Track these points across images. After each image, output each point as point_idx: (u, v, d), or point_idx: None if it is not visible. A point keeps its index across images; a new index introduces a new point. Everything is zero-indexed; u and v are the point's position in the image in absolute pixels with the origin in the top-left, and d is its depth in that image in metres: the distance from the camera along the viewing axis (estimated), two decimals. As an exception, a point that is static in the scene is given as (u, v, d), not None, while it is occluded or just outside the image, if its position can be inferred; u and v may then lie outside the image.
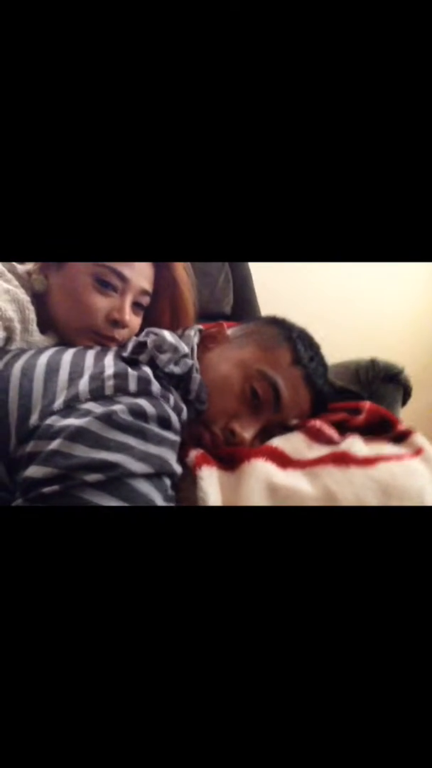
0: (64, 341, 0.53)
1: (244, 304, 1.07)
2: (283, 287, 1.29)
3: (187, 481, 0.42)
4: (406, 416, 0.65)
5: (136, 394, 0.40)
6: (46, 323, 0.53)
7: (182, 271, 0.58)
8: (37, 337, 0.51)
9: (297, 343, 0.53)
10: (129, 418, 0.37)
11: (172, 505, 0.41)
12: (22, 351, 0.46)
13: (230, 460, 0.44)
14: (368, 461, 0.45)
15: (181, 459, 0.44)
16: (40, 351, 0.45)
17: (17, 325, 0.48)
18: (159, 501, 0.38)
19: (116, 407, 0.37)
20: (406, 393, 0.66)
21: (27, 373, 0.41)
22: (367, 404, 0.57)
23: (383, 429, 0.55)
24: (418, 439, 0.51)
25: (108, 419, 0.36)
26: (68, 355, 0.44)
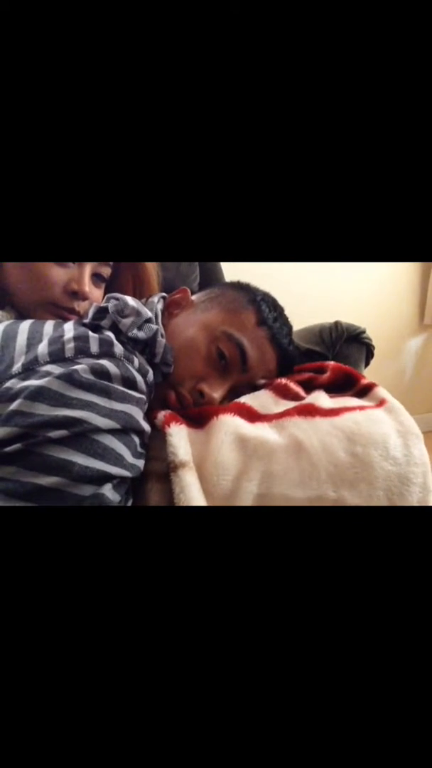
0: (23, 316, 0.52)
1: (210, 281, 1.06)
2: (250, 264, 1.29)
3: (158, 440, 0.43)
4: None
5: (98, 356, 0.40)
6: (3, 298, 0.52)
7: None
8: (-6, 311, 0.49)
9: (261, 305, 0.53)
10: (91, 377, 0.37)
11: (141, 462, 0.41)
12: None
13: (199, 418, 0.45)
14: (333, 412, 0.47)
15: (150, 421, 0.44)
16: None
17: None
18: (128, 457, 0.38)
19: (77, 367, 0.37)
20: (369, 352, 0.68)
21: None
22: (331, 363, 0.59)
23: (348, 386, 0.56)
24: (381, 391, 0.53)
25: (69, 378, 0.36)
26: (26, 323, 0.43)
